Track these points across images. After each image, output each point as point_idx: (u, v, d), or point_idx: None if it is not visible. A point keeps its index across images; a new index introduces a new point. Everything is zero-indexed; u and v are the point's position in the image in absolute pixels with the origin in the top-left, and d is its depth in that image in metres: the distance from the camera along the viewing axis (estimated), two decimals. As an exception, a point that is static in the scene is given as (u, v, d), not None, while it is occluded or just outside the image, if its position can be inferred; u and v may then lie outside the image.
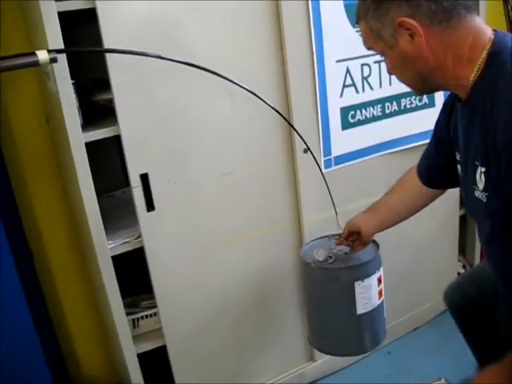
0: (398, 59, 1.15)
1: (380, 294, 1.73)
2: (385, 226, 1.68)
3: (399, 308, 2.38)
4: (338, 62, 1.86)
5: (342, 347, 1.82)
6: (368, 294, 1.69)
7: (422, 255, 2.38)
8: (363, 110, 1.96)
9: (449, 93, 1.31)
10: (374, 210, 1.69)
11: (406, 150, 2.10)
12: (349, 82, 1.91)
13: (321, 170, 1.86)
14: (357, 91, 1.93)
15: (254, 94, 1.67)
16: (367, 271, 1.69)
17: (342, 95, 1.91)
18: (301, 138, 1.80)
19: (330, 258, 1.74)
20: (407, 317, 2.42)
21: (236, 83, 1.64)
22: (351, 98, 1.93)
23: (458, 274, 2.60)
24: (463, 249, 2.64)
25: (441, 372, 1.74)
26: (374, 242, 1.77)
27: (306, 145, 1.81)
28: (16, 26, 1.82)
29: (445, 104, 1.37)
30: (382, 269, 1.74)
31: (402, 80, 1.21)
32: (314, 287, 1.80)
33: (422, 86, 1.20)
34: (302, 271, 1.84)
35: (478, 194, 1.17)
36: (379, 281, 1.72)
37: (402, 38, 1.10)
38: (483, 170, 1.12)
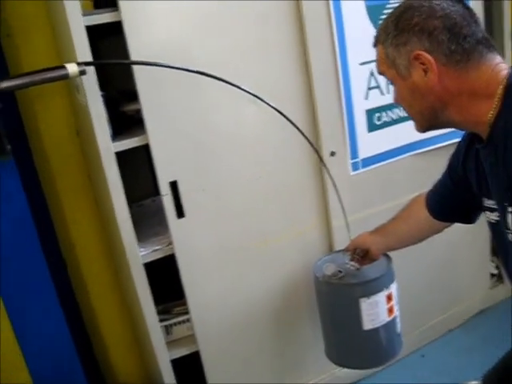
0: (407, 91, 1.13)
1: (390, 310, 1.73)
2: (392, 249, 1.71)
3: (432, 310, 2.37)
4: (361, 64, 1.87)
5: (353, 360, 1.84)
6: (375, 311, 1.70)
7: (455, 257, 2.35)
8: (389, 112, 1.96)
9: (464, 133, 1.27)
10: (382, 233, 1.69)
11: (431, 150, 2.09)
12: (373, 84, 1.91)
13: (332, 179, 1.86)
14: (382, 93, 1.93)
15: (266, 103, 1.69)
16: (373, 288, 1.69)
17: (367, 97, 1.91)
18: (302, 133, 1.79)
19: (340, 272, 1.76)
20: (441, 319, 2.40)
21: (251, 93, 1.66)
22: (376, 99, 1.93)
23: (492, 275, 2.57)
24: (495, 250, 2.60)
25: (475, 374, 1.71)
26: (388, 256, 1.77)
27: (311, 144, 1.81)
28: (45, 41, 1.87)
29: (459, 145, 1.31)
30: (393, 285, 1.74)
31: (408, 112, 1.18)
32: (322, 301, 1.82)
33: (428, 121, 1.16)
34: (314, 284, 1.85)
35: (511, 237, 1.10)
36: (389, 298, 1.71)
37: (416, 72, 1.08)
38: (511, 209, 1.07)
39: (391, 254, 1.79)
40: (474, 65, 1.06)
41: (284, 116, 1.73)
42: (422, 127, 1.20)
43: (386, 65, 1.15)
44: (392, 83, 1.18)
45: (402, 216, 1.64)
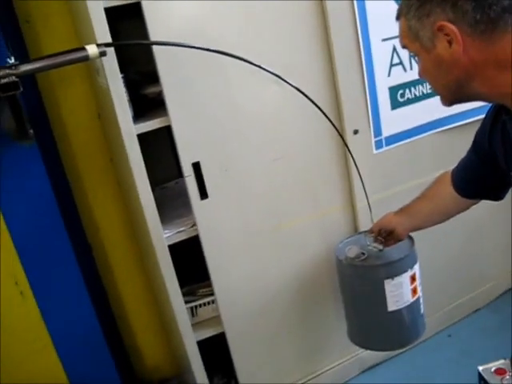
0: (432, 64, 1.09)
1: (414, 291, 1.73)
2: (418, 229, 1.68)
3: (458, 290, 2.34)
4: (383, 40, 1.83)
5: (377, 342, 1.84)
6: (399, 292, 1.69)
7: (480, 235, 2.32)
8: (412, 89, 1.93)
9: (489, 107, 1.24)
10: (408, 213, 1.67)
11: (456, 128, 2.05)
12: (396, 60, 1.87)
13: (353, 159, 1.84)
14: (404, 70, 1.90)
15: (287, 82, 1.67)
16: (398, 269, 1.69)
17: (389, 74, 1.88)
18: (322, 112, 1.79)
19: (363, 254, 1.75)
20: (467, 298, 2.38)
21: (272, 73, 1.65)
22: (399, 76, 1.90)
23: (518, 254, 2.54)
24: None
25: (503, 354, 1.69)
26: (410, 237, 1.76)
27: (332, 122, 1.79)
28: (64, 26, 1.87)
29: (484, 119, 1.28)
30: (416, 266, 1.73)
31: (433, 86, 1.15)
32: (345, 283, 1.82)
33: (454, 95, 1.12)
34: (336, 267, 1.84)
35: None
36: (412, 278, 1.71)
37: (440, 44, 1.04)
38: None
39: (415, 234, 1.78)
40: (500, 34, 1.01)
41: (304, 95, 1.71)
42: (448, 101, 1.16)
43: (409, 38, 1.11)
44: (416, 57, 1.15)
45: (428, 195, 1.62)
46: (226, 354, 1.90)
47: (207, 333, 1.86)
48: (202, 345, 1.86)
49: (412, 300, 1.72)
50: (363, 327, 1.84)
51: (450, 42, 1.04)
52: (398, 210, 1.69)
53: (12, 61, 1.40)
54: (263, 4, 1.67)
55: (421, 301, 1.78)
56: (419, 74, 1.18)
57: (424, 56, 1.11)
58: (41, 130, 1.81)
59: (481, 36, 1.01)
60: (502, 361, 1.67)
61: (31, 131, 1.63)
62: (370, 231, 1.76)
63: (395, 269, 1.68)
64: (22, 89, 1.38)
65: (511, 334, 2.18)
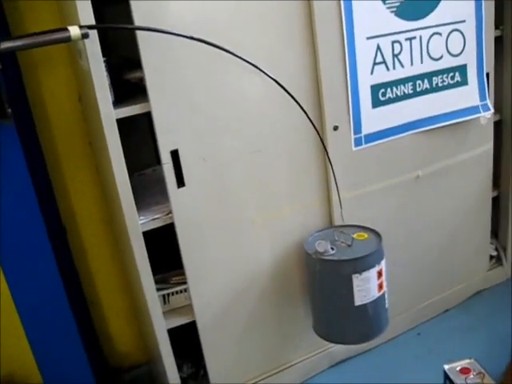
0: None
1: (380, 286, 1.76)
2: None
3: (430, 289, 2.37)
4: (368, 38, 1.84)
5: (343, 336, 1.87)
6: (366, 287, 1.73)
7: (454, 237, 2.35)
8: (394, 88, 1.94)
9: None
10: None
11: (434, 129, 2.06)
12: (379, 59, 1.88)
13: (327, 154, 1.85)
14: (387, 69, 1.91)
15: (266, 74, 1.67)
16: (366, 264, 1.71)
17: (372, 73, 1.89)
18: (300, 106, 1.80)
19: (332, 249, 1.77)
20: (438, 298, 2.41)
21: (251, 63, 1.65)
22: (382, 75, 1.90)
23: (491, 256, 2.57)
24: (496, 231, 2.60)
25: (471, 354, 1.73)
26: (377, 233, 1.78)
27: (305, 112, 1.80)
28: (48, 6, 1.85)
29: None
30: (383, 262, 1.76)
31: None
32: (314, 277, 1.83)
33: None
34: (305, 261, 1.86)
35: None
36: (379, 274, 1.74)
37: None
38: None
39: (389, 231, 1.80)
40: None
41: (282, 87, 1.71)
42: None
43: None
44: None
45: None
46: (197, 343, 1.91)
47: (178, 321, 1.86)
48: (173, 333, 1.86)
49: (378, 295, 1.76)
50: (329, 320, 1.86)
51: None
52: None
53: (-8, 38, 1.39)
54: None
55: (386, 296, 1.81)
56: None
57: None
58: (20, 110, 1.79)
59: None
60: (467, 360, 1.72)
61: (9, 110, 1.61)
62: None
63: (364, 264, 1.71)
64: (1, 66, 1.37)
65: (478, 335, 2.23)
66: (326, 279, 1.78)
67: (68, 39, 1.39)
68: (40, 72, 1.92)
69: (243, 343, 2.00)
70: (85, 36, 1.41)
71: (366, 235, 1.84)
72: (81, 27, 1.41)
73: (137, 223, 1.69)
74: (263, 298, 1.98)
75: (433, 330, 2.35)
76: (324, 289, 1.80)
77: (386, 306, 1.83)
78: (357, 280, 1.70)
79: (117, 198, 1.67)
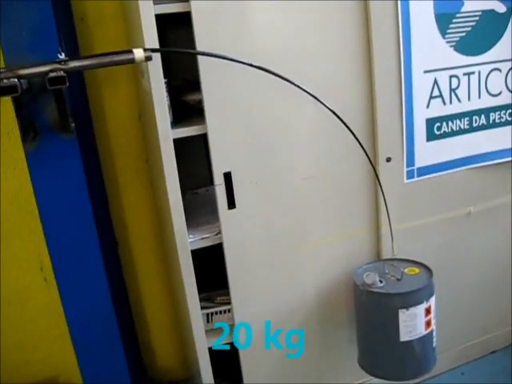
0: None
1: (428, 324, 1.73)
2: None
3: (476, 329, 2.31)
4: (425, 72, 1.85)
5: (386, 371, 1.83)
6: (413, 323, 1.70)
7: (504, 277, 2.29)
8: (450, 123, 1.93)
9: None
10: None
11: (488, 166, 2.04)
12: (436, 93, 1.88)
13: (380, 186, 1.84)
14: (444, 103, 1.91)
15: (323, 104, 1.68)
16: (413, 300, 1.69)
17: (428, 106, 1.89)
18: (355, 136, 1.79)
19: (381, 282, 1.76)
20: (484, 339, 2.34)
21: (310, 93, 1.68)
22: (438, 109, 1.90)
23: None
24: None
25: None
26: (429, 269, 1.76)
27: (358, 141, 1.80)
28: (117, 27, 1.94)
29: None
30: (433, 299, 1.74)
31: None
32: (360, 309, 1.82)
33: None
34: (353, 292, 1.85)
35: None
36: (427, 311, 1.72)
37: None
38: None
39: (436, 268, 1.77)
40: None
41: (339, 118, 1.73)
42: None
43: None
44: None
45: None
46: (237, 363, 1.92)
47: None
48: (214, 352, 1.88)
49: (425, 332, 1.72)
50: (374, 354, 1.84)
51: None
52: None
53: (62, 56, 1.46)
54: (312, 27, 1.70)
55: (434, 334, 1.77)
56: None
57: None
58: (83, 125, 1.86)
59: None
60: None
61: (73, 125, 1.68)
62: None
63: (411, 299, 1.69)
64: (68, 83, 1.43)
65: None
66: (372, 312, 1.77)
67: (132, 61, 1.45)
68: (103, 89, 2.00)
69: (283, 368, 1.99)
70: (148, 59, 1.47)
71: (417, 270, 1.82)
72: (145, 50, 1.47)
73: (186, 241, 1.72)
74: (307, 324, 1.97)
75: (477, 370, 2.28)
76: (371, 322, 1.79)
77: (434, 344, 1.79)
78: (403, 315, 1.68)
79: (168, 215, 1.71)
